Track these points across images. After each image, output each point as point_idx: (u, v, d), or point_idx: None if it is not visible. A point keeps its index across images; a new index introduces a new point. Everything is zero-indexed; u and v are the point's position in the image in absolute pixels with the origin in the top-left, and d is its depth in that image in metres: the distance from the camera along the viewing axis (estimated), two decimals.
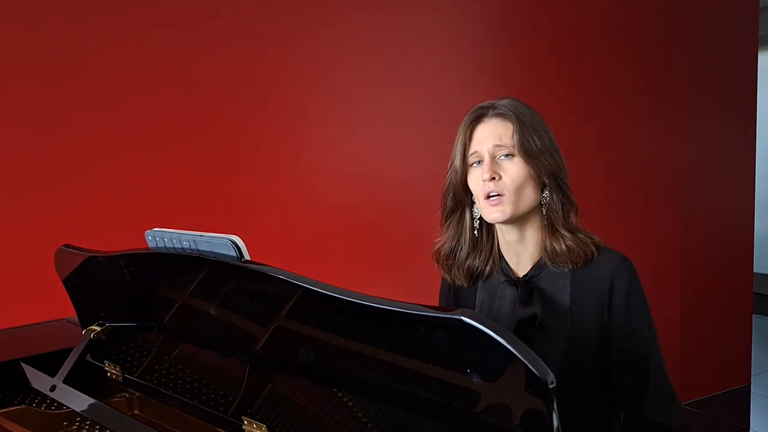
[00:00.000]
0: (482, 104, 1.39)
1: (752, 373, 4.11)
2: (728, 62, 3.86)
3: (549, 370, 0.77)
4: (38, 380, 1.51)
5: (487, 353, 0.82)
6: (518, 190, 1.31)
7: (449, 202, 1.41)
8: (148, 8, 2.38)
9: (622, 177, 3.56)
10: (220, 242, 1.14)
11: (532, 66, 3.26)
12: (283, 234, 2.63)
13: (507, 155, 1.33)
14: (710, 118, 3.81)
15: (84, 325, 1.55)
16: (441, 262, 1.46)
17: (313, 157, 2.72)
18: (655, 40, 3.61)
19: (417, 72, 2.94)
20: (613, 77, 3.50)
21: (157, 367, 1.41)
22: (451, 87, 3.02)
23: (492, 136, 1.34)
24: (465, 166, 1.37)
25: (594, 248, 1.33)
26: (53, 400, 1.49)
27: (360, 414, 1.04)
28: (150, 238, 1.29)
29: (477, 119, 1.37)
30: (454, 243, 1.43)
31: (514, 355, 0.78)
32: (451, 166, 1.39)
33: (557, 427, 0.78)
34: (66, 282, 1.55)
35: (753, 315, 4.15)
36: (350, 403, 1.05)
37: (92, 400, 1.36)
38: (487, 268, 1.41)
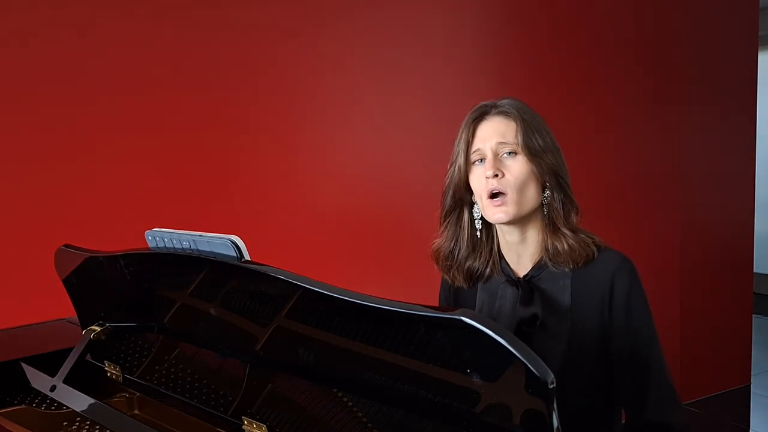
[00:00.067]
0: (484, 103, 1.39)
1: (752, 373, 4.11)
2: (728, 62, 3.86)
3: (549, 370, 0.77)
4: (38, 380, 1.51)
5: (487, 353, 0.81)
6: (521, 189, 1.31)
7: (449, 201, 1.40)
8: (147, 8, 2.38)
9: (622, 177, 3.56)
10: (220, 242, 1.14)
11: (533, 66, 3.26)
12: (283, 234, 2.63)
13: (510, 153, 1.33)
14: (710, 118, 3.81)
15: (84, 325, 1.55)
16: (440, 262, 1.45)
17: (313, 157, 2.72)
18: (655, 41, 3.61)
19: (417, 72, 2.94)
20: (613, 77, 3.50)
21: (157, 367, 1.41)
22: (451, 87, 3.02)
23: (495, 133, 1.34)
24: (468, 164, 1.37)
25: (595, 248, 1.33)
26: (53, 400, 1.49)
27: (360, 414, 1.04)
28: (150, 238, 1.29)
29: (480, 117, 1.37)
30: (452, 244, 1.42)
31: (514, 355, 0.78)
32: (452, 164, 1.39)
33: (557, 427, 0.78)
34: (66, 282, 1.55)
35: (753, 315, 4.15)
36: (350, 403, 1.05)
37: (92, 400, 1.36)
38: (488, 270, 1.41)
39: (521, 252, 1.38)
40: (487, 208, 1.33)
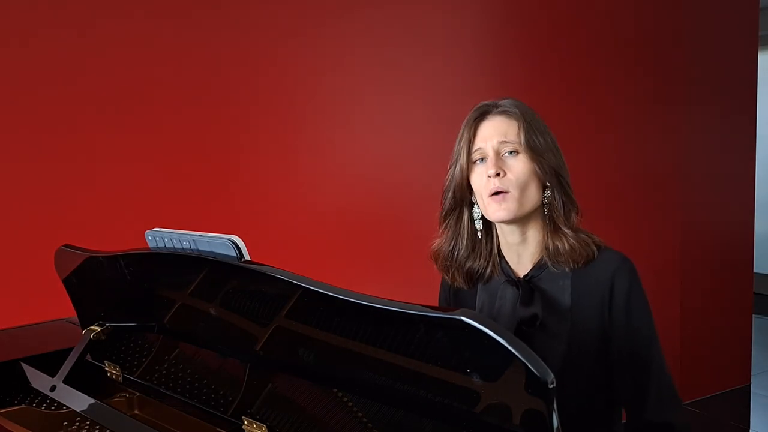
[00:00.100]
0: (485, 102, 1.39)
1: (752, 373, 4.11)
2: (728, 62, 3.86)
3: (549, 370, 0.77)
4: (38, 380, 1.51)
5: (487, 353, 0.81)
6: (522, 188, 1.31)
7: (449, 201, 1.40)
8: (147, 8, 2.38)
9: (622, 177, 3.55)
10: (220, 242, 1.14)
11: (533, 66, 3.26)
12: (283, 234, 2.63)
13: (512, 152, 1.33)
14: (710, 118, 3.81)
15: (84, 325, 1.54)
16: (440, 262, 1.45)
17: (313, 157, 2.72)
18: (655, 41, 3.61)
19: (417, 72, 2.94)
20: (613, 77, 3.50)
21: (157, 367, 1.41)
22: (451, 87, 3.02)
23: (497, 132, 1.34)
24: (469, 163, 1.36)
25: (595, 248, 1.33)
26: (53, 400, 1.49)
27: (360, 414, 1.04)
28: (150, 238, 1.29)
29: (481, 116, 1.37)
30: (452, 244, 1.42)
31: (514, 355, 0.78)
32: (454, 163, 1.39)
33: (557, 427, 0.78)
34: (66, 282, 1.55)
35: (753, 315, 4.14)
36: (350, 403, 1.05)
37: (92, 400, 1.36)
38: (488, 271, 1.41)
39: (521, 252, 1.38)
40: (488, 206, 1.33)
